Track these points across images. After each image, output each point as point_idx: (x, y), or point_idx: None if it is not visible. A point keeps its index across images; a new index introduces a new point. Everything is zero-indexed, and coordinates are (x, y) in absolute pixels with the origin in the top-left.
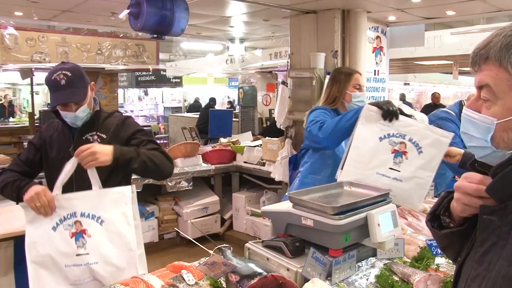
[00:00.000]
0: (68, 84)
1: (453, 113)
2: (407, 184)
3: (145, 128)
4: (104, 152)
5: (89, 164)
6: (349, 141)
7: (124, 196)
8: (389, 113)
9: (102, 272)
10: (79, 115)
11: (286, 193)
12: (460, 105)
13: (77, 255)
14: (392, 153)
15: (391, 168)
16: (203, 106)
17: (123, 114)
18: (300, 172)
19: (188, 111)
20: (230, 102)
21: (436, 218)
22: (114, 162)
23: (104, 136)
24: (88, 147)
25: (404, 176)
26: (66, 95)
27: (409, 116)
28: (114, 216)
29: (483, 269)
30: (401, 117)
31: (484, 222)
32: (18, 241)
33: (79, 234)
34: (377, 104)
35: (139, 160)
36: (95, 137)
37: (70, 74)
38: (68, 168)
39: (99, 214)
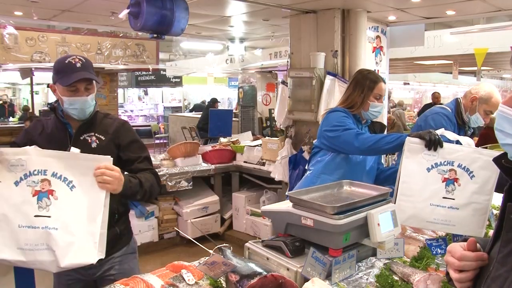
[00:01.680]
0: (83, 67)
1: (449, 109)
2: (465, 211)
3: (145, 127)
4: (119, 181)
5: (104, 186)
6: (397, 176)
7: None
8: (432, 142)
9: (59, 241)
10: (89, 101)
11: (286, 193)
12: (456, 102)
13: (36, 216)
14: (443, 181)
15: (444, 198)
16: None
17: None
18: (311, 171)
19: (191, 111)
20: (214, 100)
21: None
22: (120, 193)
23: (102, 137)
24: (114, 170)
25: (459, 204)
26: (83, 74)
27: (454, 142)
28: (88, 184)
29: (505, 270)
30: (445, 144)
31: (510, 221)
32: None
33: (43, 194)
34: (419, 135)
35: (141, 193)
36: (93, 138)
37: (84, 60)
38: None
39: (72, 178)
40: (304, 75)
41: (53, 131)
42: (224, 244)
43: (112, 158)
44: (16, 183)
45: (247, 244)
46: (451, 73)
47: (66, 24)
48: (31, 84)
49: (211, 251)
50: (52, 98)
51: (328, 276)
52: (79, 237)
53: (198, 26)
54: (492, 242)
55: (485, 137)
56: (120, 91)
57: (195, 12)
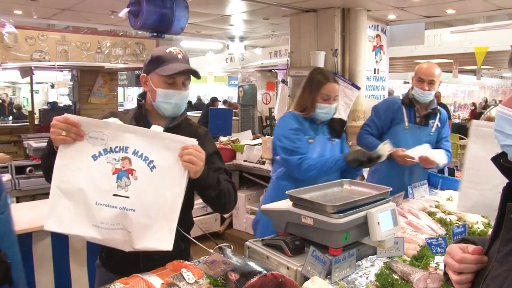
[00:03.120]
0: (184, 59)
1: (400, 96)
2: None
3: None
4: (202, 166)
5: (189, 166)
6: (464, 162)
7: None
8: (366, 163)
9: (135, 223)
10: (186, 96)
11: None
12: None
13: (114, 195)
14: None
15: None
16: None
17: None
18: (272, 179)
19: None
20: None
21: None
22: (198, 179)
23: None
24: (201, 152)
25: None
26: (186, 66)
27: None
28: (170, 167)
29: (505, 269)
30: None
31: (510, 221)
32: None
33: (123, 173)
34: (354, 160)
35: (217, 191)
36: None
37: (183, 53)
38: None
39: (153, 157)
40: (304, 74)
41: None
42: (224, 243)
43: (197, 141)
44: (95, 157)
45: (247, 243)
46: (451, 72)
47: (66, 23)
48: (31, 83)
49: (211, 250)
50: (52, 97)
51: (328, 275)
52: (156, 221)
53: (198, 25)
54: (491, 241)
55: None
56: (120, 90)
57: (195, 10)
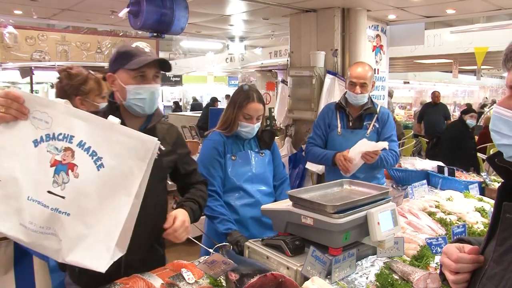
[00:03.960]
0: (152, 53)
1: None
2: None
3: None
4: (189, 226)
5: (182, 238)
6: None
7: (143, 146)
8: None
9: (68, 230)
10: (158, 91)
11: (286, 192)
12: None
13: (49, 192)
14: None
15: None
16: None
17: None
18: None
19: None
20: (175, 103)
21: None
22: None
23: (163, 148)
24: (184, 222)
25: None
26: (156, 58)
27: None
28: (121, 167)
29: (501, 269)
30: None
31: (506, 220)
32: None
33: (62, 167)
34: None
35: (200, 214)
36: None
37: (150, 48)
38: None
39: (102, 154)
40: (304, 74)
41: None
42: (224, 243)
43: (158, 142)
44: (36, 143)
45: (247, 243)
46: (451, 72)
47: (66, 23)
48: (31, 83)
49: (211, 250)
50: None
51: (328, 275)
52: (94, 232)
53: (198, 25)
54: (486, 240)
55: (485, 136)
56: None
57: (195, 11)
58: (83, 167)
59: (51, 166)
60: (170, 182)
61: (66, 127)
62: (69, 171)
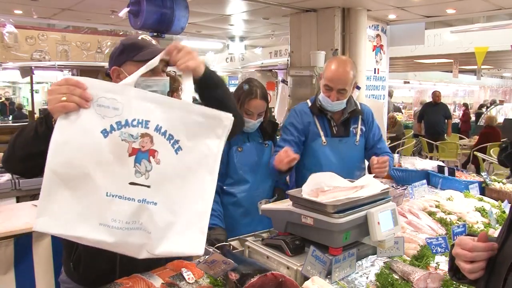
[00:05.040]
0: (158, 46)
1: (308, 102)
2: None
3: None
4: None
5: (187, 64)
6: None
7: (220, 124)
8: None
9: (157, 220)
10: (167, 87)
11: (286, 192)
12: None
13: (131, 183)
14: None
15: None
16: None
17: None
18: None
19: None
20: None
21: (457, 271)
22: (205, 76)
23: None
24: (182, 46)
25: None
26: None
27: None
28: (198, 148)
29: None
30: None
31: None
32: (18, 239)
33: (143, 154)
34: None
35: (224, 87)
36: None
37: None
38: (154, 62)
39: (179, 136)
40: (304, 73)
41: None
42: (224, 243)
43: (233, 118)
44: (105, 133)
45: (247, 242)
46: (451, 71)
47: (66, 23)
48: (31, 83)
49: (211, 250)
50: None
51: (328, 275)
52: (184, 218)
53: (198, 24)
54: (504, 238)
55: (485, 136)
56: None
57: (195, 10)
58: (163, 152)
59: (130, 155)
60: None
61: (140, 112)
62: (151, 157)
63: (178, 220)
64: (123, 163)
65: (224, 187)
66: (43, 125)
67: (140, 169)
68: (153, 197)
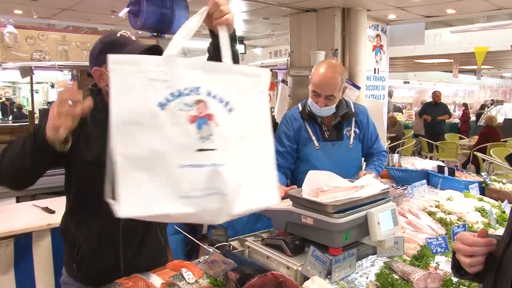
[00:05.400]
0: (139, 41)
1: (299, 106)
2: None
3: None
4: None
5: (227, 19)
6: None
7: (260, 80)
8: None
9: (230, 181)
10: None
11: None
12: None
13: (199, 150)
14: None
15: None
16: None
17: None
18: None
19: None
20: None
21: (460, 267)
22: (234, 30)
23: None
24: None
25: None
26: (145, 45)
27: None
28: (247, 105)
29: None
30: None
31: None
32: (18, 239)
33: (202, 120)
34: None
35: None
36: None
37: (134, 36)
38: (193, 26)
39: (229, 98)
40: (304, 73)
41: (91, 124)
42: (224, 243)
43: (270, 72)
44: (161, 106)
45: (247, 242)
46: (451, 71)
47: (66, 23)
48: (31, 83)
49: (211, 250)
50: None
51: (328, 275)
52: (252, 173)
53: None
54: (509, 239)
55: (485, 136)
56: None
57: (195, 10)
58: (219, 114)
59: (191, 122)
60: None
61: (189, 80)
62: (209, 121)
63: (247, 177)
64: (187, 132)
65: None
66: (31, 140)
67: (203, 134)
68: (221, 159)
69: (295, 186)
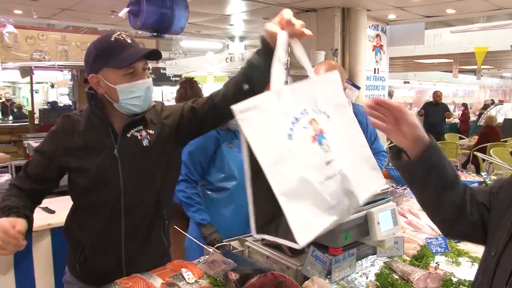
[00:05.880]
0: (135, 43)
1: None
2: None
3: None
4: None
5: (303, 32)
6: None
7: (336, 81)
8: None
9: (351, 177)
10: (151, 89)
11: None
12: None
13: (327, 163)
14: None
15: None
16: None
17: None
18: None
19: None
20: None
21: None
22: None
23: (151, 132)
24: (286, 13)
25: None
26: (142, 50)
27: None
28: (336, 110)
29: None
30: None
31: None
32: None
33: (320, 136)
34: None
35: None
36: (144, 133)
37: (129, 36)
38: (283, 41)
39: (324, 108)
40: (304, 73)
41: (87, 129)
42: (224, 243)
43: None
44: (290, 136)
45: (247, 242)
46: (451, 71)
47: (66, 23)
48: (31, 83)
49: (211, 250)
50: (52, 97)
51: (328, 275)
52: (361, 165)
53: (198, 24)
54: (504, 245)
55: (485, 136)
56: None
57: (195, 10)
58: (325, 125)
59: (313, 142)
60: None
61: (298, 105)
62: (324, 134)
63: (360, 170)
64: (314, 151)
65: (218, 184)
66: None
67: (325, 148)
68: (341, 164)
69: None
